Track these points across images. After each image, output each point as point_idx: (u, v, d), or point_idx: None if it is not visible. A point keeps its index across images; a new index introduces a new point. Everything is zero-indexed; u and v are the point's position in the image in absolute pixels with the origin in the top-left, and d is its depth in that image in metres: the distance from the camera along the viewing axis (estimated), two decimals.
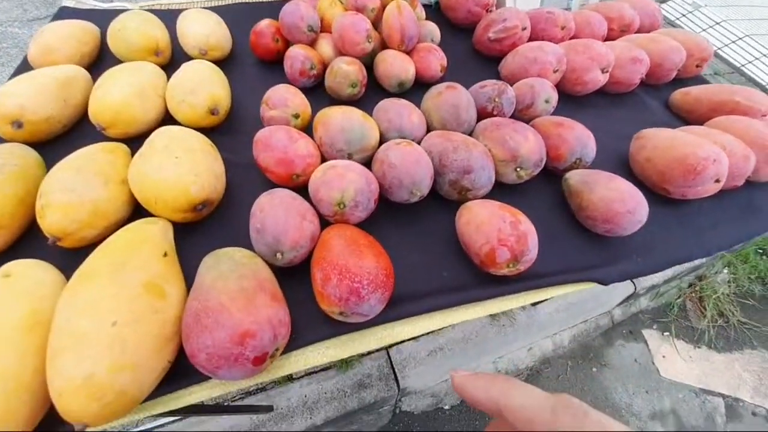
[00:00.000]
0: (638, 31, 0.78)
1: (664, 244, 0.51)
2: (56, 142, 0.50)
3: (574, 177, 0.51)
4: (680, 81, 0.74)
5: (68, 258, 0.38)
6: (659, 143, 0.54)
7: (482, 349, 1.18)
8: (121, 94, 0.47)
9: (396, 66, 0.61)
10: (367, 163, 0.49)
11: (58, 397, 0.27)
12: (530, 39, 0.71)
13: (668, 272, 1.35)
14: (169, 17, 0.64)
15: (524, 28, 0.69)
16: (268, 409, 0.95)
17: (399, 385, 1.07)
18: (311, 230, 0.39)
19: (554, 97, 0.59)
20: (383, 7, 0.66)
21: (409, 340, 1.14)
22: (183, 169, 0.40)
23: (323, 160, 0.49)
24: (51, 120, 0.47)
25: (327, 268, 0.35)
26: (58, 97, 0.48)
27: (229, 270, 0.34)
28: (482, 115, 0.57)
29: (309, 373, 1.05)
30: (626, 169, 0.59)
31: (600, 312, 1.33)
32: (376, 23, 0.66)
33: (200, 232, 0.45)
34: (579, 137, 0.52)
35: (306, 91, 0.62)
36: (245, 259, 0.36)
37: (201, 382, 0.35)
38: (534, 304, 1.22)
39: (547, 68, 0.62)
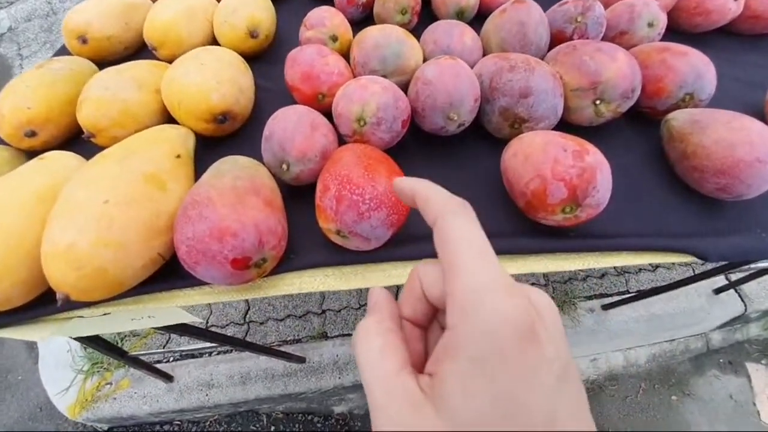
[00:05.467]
0: None
1: None
2: (118, 63, 0.54)
3: (679, 116, 0.38)
4: None
5: None
6: None
7: None
8: (169, 14, 0.48)
9: None
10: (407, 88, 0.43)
11: (44, 260, 0.27)
12: None
13: None
14: None
15: None
16: (300, 360, 0.97)
17: None
18: (323, 144, 0.35)
19: (661, 19, 0.44)
20: None
21: None
22: (206, 76, 0.39)
23: None
24: (112, 39, 0.50)
25: (327, 179, 0.30)
26: (121, 19, 0.51)
27: (228, 170, 0.32)
28: (559, 40, 0.45)
29: (343, 335, 1.04)
30: None
31: (693, 332, 1.08)
32: None
33: (224, 148, 0.44)
34: (693, 65, 0.38)
35: (355, 24, 0.57)
36: (248, 164, 0.34)
37: (194, 286, 0.33)
38: (605, 308, 1.04)
39: None
